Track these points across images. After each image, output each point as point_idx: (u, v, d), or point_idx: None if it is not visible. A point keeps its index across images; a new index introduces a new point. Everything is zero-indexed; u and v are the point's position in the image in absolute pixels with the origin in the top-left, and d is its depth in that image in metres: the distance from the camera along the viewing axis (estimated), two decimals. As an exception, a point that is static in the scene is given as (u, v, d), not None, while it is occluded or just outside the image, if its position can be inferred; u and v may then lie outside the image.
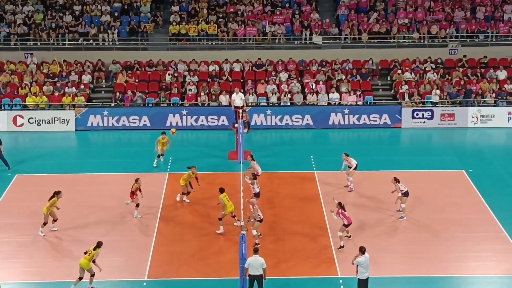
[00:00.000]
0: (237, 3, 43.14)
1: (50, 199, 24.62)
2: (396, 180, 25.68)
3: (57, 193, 24.75)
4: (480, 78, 39.05)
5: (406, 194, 25.52)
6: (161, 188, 28.65)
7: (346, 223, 23.28)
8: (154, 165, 30.76)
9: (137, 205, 26.10)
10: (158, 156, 30.96)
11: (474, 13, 42.54)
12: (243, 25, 41.64)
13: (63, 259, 23.30)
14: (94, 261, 21.15)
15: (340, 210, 23.31)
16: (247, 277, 20.05)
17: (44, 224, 24.60)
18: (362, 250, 20.26)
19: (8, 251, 23.52)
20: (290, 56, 40.41)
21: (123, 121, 36.67)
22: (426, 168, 30.87)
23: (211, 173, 30.08)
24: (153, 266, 22.74)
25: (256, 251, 20.14)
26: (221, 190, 24.71)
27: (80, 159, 32.97)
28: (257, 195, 25.51)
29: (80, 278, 21.30)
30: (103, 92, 39.57)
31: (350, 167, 27.80)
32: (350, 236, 23.96)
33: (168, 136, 31.31)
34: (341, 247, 23.39)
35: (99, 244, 21.33)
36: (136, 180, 26.09)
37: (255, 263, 19.92)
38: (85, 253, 21.19)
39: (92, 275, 21.34)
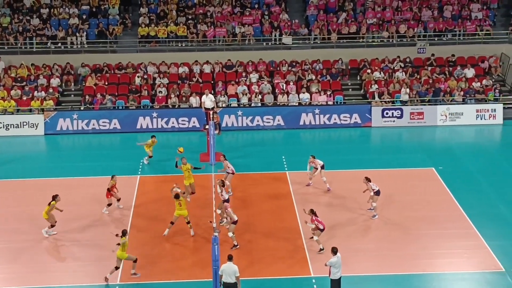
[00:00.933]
0: (206, 5, 43.07)
1: (49, 203, 24.48)
2: (368, 180, 25.81)
3: (55, 197, 24.58)
4: (448, 77, 39.45)
5: (377, 193, 25.69)
6: (133, 191, 28.50)
7: (321, 228, 23.30)
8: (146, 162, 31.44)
9: (109, 204, 26.25)
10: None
11: (441, 12, 42.96)
12: (212, 26, 41.59)
13: (34, 265, 23.04)
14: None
15: (313, 217, 23.35)
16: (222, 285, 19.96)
17: (52, 226, 24.60)
18: (334, 251, 20.36)
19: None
20: (260, 57, 40.47)
21: (93, 125, 36.41)
22: (397, 166, 31.12)
23: (183, 175, 29.92)
24: (125, 270, 22.58)
25: (230, 258, 20.05)
26: (176, 197, 24.41)
27: (50, 163, 32.68)
28: (226, 201, 25.27)
29: (117, 268, 21.90)
30: (72, 95, 39.26)
31: (316, 169, 27.85)
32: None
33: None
34: (321, 249, 23.35)
35: (124, 232, 21.92)
36: (112, 177, 26.19)
37: (229, 270, 19.79)
38: (118, 244, 21.76)
39: (134, 261, 22.08)
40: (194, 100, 37.08)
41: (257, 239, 24.42)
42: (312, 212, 23.47)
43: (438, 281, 22.03)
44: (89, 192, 28.15)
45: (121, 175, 29.79)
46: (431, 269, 22.66)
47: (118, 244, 21.77)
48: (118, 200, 26.69)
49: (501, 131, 36.64)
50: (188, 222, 24.51)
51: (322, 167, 27.96)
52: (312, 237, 23.75)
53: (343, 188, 28.44)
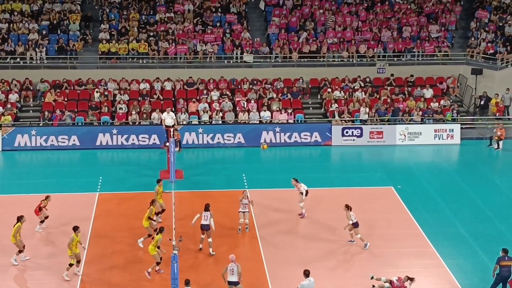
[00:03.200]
0: (168, 22, 43.03)
1: (14, 225, 23.69)
2: (348, 208, 25.23)
3: (20, 218, 23.80)
4: (407, 97, 39.97)
5: (355, 225, 25.12)
6: (91, 209, 28.18)
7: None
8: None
9: (42, 221, 26.14)
10: (158, 214, 26.49)
11: (400, 33, 43.57)
12: (174, 44, 41.56)
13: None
14: (159, 247, 22.59)
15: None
16: None
17: (20, 251, 23.72)
18: (306, 273, 20.30)
19: None
20: (221, 75, 40.53)
21: (52, 141, 35.98)
22: (356, 185, 31.33)
23: (142, 192, 29.74)
24: (83, 282, 22.29)
25: (187, 283, 19.97)
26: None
27: (7, 180, 32.14)
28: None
29: (158, 263, 22.66)
30: (30, 111, 38.79)
31: (301, 193, 27.36)
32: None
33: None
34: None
35: (161, 230, 22.78)
36: (46, 198, 26.09)
37: None
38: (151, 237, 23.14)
39: (158, 263, 22.46)
40: (156, 116, 36.87)
41: (215, 262, 24.29)
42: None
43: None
44: (49, 210, 27.70)
45: (80, 192, 29.55)
46: (389, 287, 22.74)
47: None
48: (41, 222, 26.11)
49: (459, 150, 37.17)
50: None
51: (306, 193, 27.34)
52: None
53: (304, 206, 28.48)
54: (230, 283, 21.17)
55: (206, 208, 24.67)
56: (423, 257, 24.75)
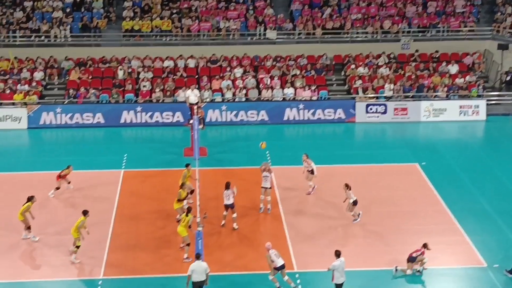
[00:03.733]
0: (191, -1, 42.99)
1: (24, 204, 24.04)
2: (347, 187, 25.26)
3: (30, 198, 24.09)
4: (432, 73, 39.61)
5: (355, 203, 25.13)
6: (116, 185, 28.41)
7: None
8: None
9: (58, 188, 27.01)
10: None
11: (425, 8, 43.11)
12: (197, 21, 41.49)
13: (18, 259, 22.96)
14: (190, 226, 22.44)
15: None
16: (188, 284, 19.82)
17: (28, 228, 23.94)
18: (338, 254, 20.21)
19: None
20: (244, 52, 40.42)
21: (77, 118, 36.23)
22: (380, 162, 31.22)
23: (166, 170, 29.95)
24: (108, 264, 22.58)
25: (198, 257, 19.99)
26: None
27: (33, 157, 32.50)
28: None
29: (188, 244, 22.40)
30: (55, 89, 39.02)
31: (309, 171, 27.43)
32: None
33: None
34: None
35: (189, 210, 22.73)
36: (68, 167, 27.44)
37: (199, 269, 19.76)
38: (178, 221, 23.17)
39: (187, 244, 22.29)
40: (182, 94, 36.64)
41: (241, 234, 24.42)
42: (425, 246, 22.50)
43: (420, 276, 22.13)
44: (73, 187, 28.03)
45: (105, 169, 29.77)
46: (413, 264, 22.76)
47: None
48: (69, 182, 27.46)
49: (484, 127, 36.86)
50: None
51: (312, 172, 27.36)
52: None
53: (326, 184, 28.49)
54: (279, 267, 20.90)
55: (227, 187, 24.72)
56: (448, 233, 24.68)
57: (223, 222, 24.93)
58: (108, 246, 23.55)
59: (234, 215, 24.69)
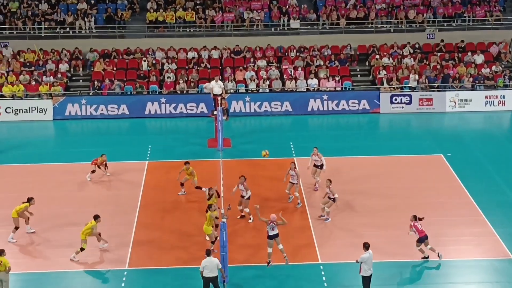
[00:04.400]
0: (215, -10, 42.97)
1: (23, 202, 24.09)
2: (330, 182, 24.58)
3: (30, 199, 24.06)
4: (458, 63, 39.24)
5: (334, 200, 24.60)
6: (141, 176, 28.56)
7: (418, 236, 22.30)
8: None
9: (93, 171, 27.62)
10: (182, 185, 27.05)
11: (451, -3, 42.73)
12: (220, 12, 41.45)
13: (43, 250, 23.18)
14: (216, 226, 22.35)
15: (413, 223, 22.30)
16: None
17: (16, 228, 23.77)
18: (366, 246, 20.05)
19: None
20: (268, 43, 40.33)
21: (102, 110, 36.44)
22: (405, 153, 31.04)
23: (190, 160, 29.96)
24: (133, 255, 22.73)
25: (208, 253, 20.03)
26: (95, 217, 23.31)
27: (58, 148, 32.74)
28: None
29: (213, 242, 22.36)
30: (80, 80, 39.27)
31: (317, 166, 26.92)
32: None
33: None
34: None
35: (209, 207, 22.54)
36: (102, 155, 27.94)
37: (211, 265, 19.82)
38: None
39: (212, 242, 22.18)
40: (209, 85, 36.33)
41: (263, 225, 24.42)
42: (415, 217, 22.31)
43: (445, 268, 22.05)
44: (95, 178, 28.20)
45: (129, 161, 29.93)
46: (437, 256, 22.61)
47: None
48: (93, 172, 28.12)
49: (510, 117, 36.48)
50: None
51: (321, 167, 26.81)
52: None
53: (350, 175, 28.42)
54: (270, 236, 21.40)
55: (241, 181, 24.73)
56: (474, 225, 24.50)
57: (241, 214, 24.97)
58: (133, 237, 23.67)
59: (246, 209, 24.81)
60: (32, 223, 24.35)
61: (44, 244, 23.53)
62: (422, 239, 22.16)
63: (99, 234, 22.83)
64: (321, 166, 26.82)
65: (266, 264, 21.60)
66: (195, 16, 41.41)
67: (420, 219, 22.33)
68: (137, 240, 23.57)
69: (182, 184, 26.85)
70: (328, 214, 24.87)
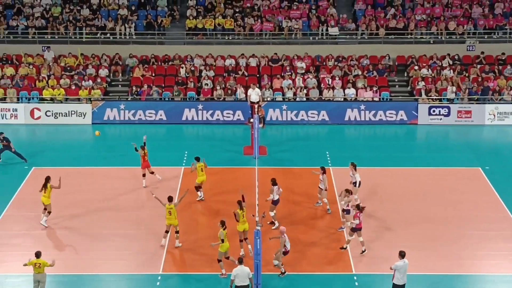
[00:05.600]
0: (254, -2, 43.13)
1: (44, 187, 24.67)
2: (348, 192, 24.25)
3: (48, 179, 24.78)
4: (498, 75, 38.78)
5: (275, 202, 24.59)
6: (177, 182, 28.71)
7: (355, 226, 22.84)
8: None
9: (152, 172, 27.46)
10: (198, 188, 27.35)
11: (492, 9, 42.24)
12: (259, 20, 41.55)
13: (78, 252, 23.44)
14: (223, 241, 21.74)
15: (359, 213, 22.67)
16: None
17: (49, 213, 24.79)
18: (402, 254, 19.92)
19: (23, 244, 23.70)
20: (306, 51, 40.32)
21: (140, 115, 36.77)
22: (443, 165, 30.75)
23: (226, 167, 30.14)
24: (168, 260, 22.84)
25: (241, 261, 20.04)
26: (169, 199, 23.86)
27: (96, 152, 33.08)
28: (275, 202, 25.05)
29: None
30: (119, 86, 39.70)
31: (352, 182, 25.86)
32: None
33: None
34: (343, 248, 23.34)
35: (223, 223, 21.87)
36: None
37: (242, 274, 19.81)
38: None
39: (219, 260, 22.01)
40: (249, 92, 36.38)
41: (297, 235, 24.36)
42: (358, 207, 22.82)
43: (481, 282, 21.77)
44: (131, 183, 28.41)
45: (166, 166, 30.11)
46: (474, 270, 22.42)
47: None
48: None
49: (551, 132, 35.95)
50: (177, 232, 23.73)
51: (356, 184, 25.68)
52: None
53: (386, 185, 28.23)
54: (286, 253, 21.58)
55: (274, 183, 24.78)
56: (511, 240, 24.11)
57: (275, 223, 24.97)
58: (168, 242, 23.79)
59: (271, 212, 24.82)
60: (69, 226, 24.66)
61: (79, 247, 23.77)
62: (358, 230, 22.70)
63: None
64: (355, 183, 26.04)
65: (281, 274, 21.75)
66: (234, 24, 41.61)
67: (362, 210, 22.59)
68: (172, 246, 23.66)
69: (197, 188, 26.89)
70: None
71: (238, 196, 23.79)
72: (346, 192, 24.24)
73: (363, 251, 23.00)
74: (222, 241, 21.68)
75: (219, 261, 21.91)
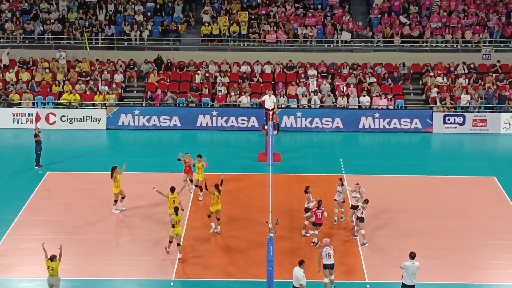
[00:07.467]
0: (270, 5, 43.11)
1: (112, 176, 25.91)
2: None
3: (114, 168, 25.95)
4: (514, 84, 38.61)
5: (361, 220, 24.28)
6: (190, 189, 28.69)
7: (313, 220, 23.81)
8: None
9: (123, 197, 26.92)
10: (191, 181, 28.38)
11: (508, 18, 42.06)
12: (275, 27, 41.53)
13: (92, 257, 23.50)
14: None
15: (324, 209, 23.69)
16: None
17: (116, 201, 26.18)
18: (412, 256, 20.08)
19: (38, 248, 23.76)
20: (321, 59, 40.30)
21: (154, 121, 36.87)
22: (457, 173, 30.59)
23: (240, 174, 30.13)
24: (180, 266, 22.85)
25: (301, 263, 20.11)
26: (172, 189, 24.64)
27: (111, 157, 33.11)
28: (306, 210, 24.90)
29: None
30: (134, 91, 39.85)
31: (355, 207, 24.85)
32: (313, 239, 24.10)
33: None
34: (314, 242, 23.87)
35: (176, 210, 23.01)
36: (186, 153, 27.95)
37: (299, 274, 19.95)
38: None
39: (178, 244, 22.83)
40: (246, 100, 36.97)
41: (311, 241, 24.32)
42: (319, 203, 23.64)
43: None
44: (144, 189, 28.44)
45: (179, 172, 30.11)
46: (488, 279, 22.27)
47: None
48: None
49: None
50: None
51: (365, 201, 24.40)
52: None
53: (399, 194, 28.12)
54: (326, 266, 21.12)
55: (306, 191, 24.70)
56: (526, 250, 23.99)
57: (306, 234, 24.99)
58: (181, 248, 23.80)
59: (306, 222, 24.70)
60: (82, 231, 24.78)
61: (93, 252, 23.84)
62: (318, 225, 23.71)
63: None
64: (366, 200, 24.79)
65: None
66: (248, 30, 41.64)
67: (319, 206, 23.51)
68: (185, 251, 23.68)
69: (201, 188, 26.90)
70: (364, 237, 24.31)
71: (252, 201, 23.81)
72: (363, 202, 24.17)
73: (316, 243, 23.78)
74: (173, 226, 22.85)
75: (179, 245, 22.99)
